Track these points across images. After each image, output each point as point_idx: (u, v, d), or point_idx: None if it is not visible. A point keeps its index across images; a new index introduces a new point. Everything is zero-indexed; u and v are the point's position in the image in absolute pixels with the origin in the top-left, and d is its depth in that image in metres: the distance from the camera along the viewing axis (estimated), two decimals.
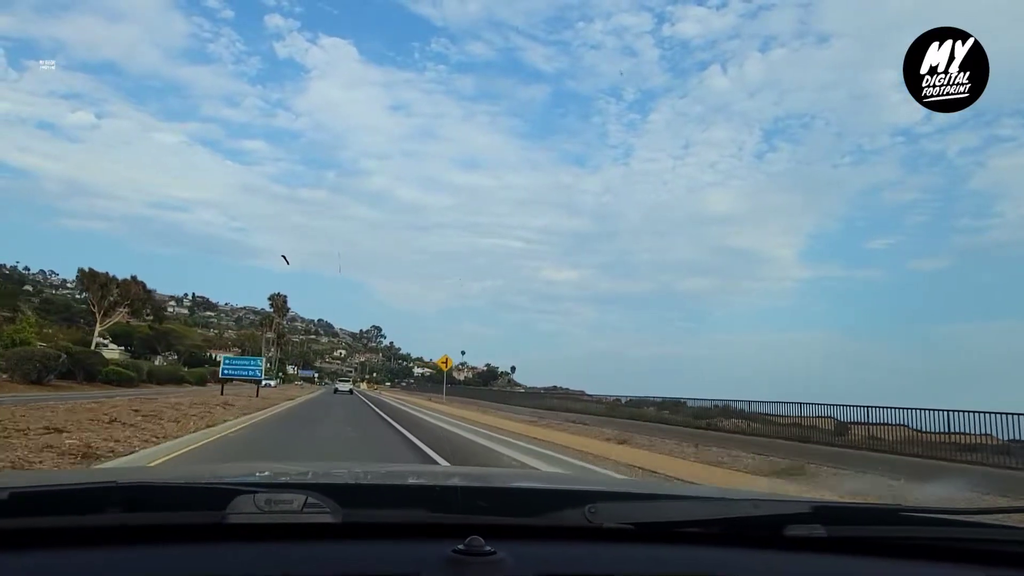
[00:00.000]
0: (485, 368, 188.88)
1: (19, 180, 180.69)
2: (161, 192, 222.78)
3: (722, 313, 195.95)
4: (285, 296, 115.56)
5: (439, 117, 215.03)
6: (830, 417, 19.13)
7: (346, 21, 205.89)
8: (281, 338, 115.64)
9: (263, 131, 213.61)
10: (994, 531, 1.22)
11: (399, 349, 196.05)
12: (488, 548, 1.03)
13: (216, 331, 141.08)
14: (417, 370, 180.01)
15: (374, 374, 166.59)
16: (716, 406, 26.13)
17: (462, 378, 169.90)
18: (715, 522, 1.22)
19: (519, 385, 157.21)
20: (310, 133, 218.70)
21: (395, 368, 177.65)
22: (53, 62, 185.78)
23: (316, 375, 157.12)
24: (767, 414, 21.79)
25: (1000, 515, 1.38)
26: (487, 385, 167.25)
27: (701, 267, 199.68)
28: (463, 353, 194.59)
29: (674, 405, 29.49)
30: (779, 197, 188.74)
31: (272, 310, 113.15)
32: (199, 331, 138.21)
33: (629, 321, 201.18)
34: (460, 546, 1.03)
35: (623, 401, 34.60)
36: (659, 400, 31.48)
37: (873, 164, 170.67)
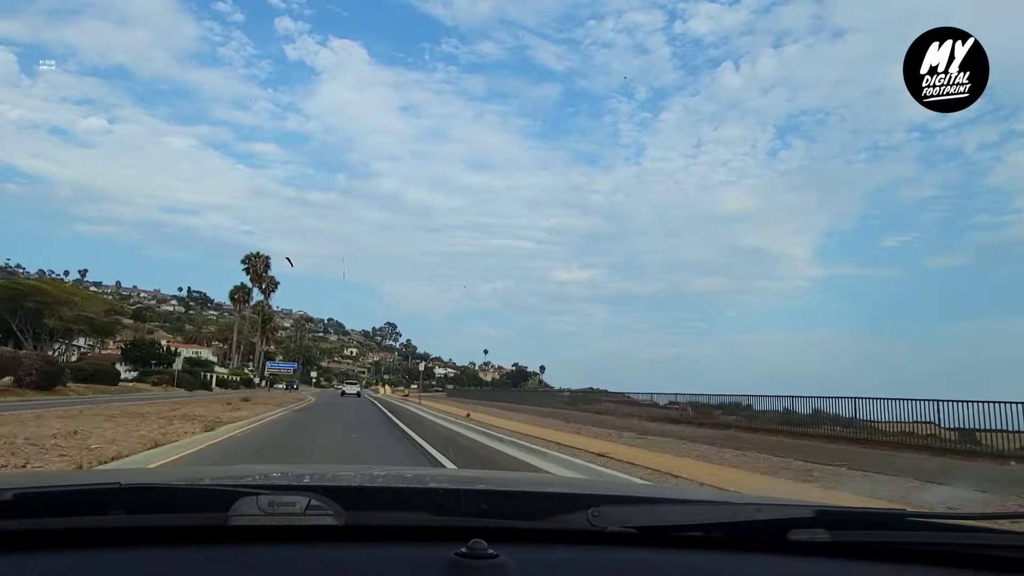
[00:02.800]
0: (514, 368, 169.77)
1: (32, 186, 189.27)
2: (172, 196, 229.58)
3: (735, 313, 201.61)
4: (267, 258, 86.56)
5: (449, 118, 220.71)
6: (929, 422, 16.87)
7: (356, 23, 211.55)
8: (267, 323, 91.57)
9: (273, 134, 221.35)
10: (1001, 536, 1.24)
11: (416, 348, 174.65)
12: (491, 551, 1.03)
13: (193, 325, 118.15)
14: (439, 370, 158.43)
15: (416, 378, 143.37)
16: (787, 408, 22.85)
17: (489, 379, 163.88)
18: (718, 526, 1.25)
19: (548, 386, 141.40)
20: (320, 136, 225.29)
21: (412, 368, 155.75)
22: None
23: (314, 375, 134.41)
24: (866, 420, 19.16)
25: (1008, 520, 1.38)
26: (516, 386, 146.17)
27: (714, 267, 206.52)
28: (486, 352, 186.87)
29: (736, 407, 26.34)
30: (793, 195, 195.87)
31: (249, 277, 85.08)
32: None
33: (641, 321, 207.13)
34: (463, 549, 1.03)
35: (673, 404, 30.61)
36: (716, 402, 27.92)
37: (889, 161, 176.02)
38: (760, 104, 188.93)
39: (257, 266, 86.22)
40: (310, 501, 1.15)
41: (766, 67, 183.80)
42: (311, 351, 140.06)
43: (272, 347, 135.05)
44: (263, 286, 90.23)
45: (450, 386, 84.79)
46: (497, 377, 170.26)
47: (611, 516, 1.20)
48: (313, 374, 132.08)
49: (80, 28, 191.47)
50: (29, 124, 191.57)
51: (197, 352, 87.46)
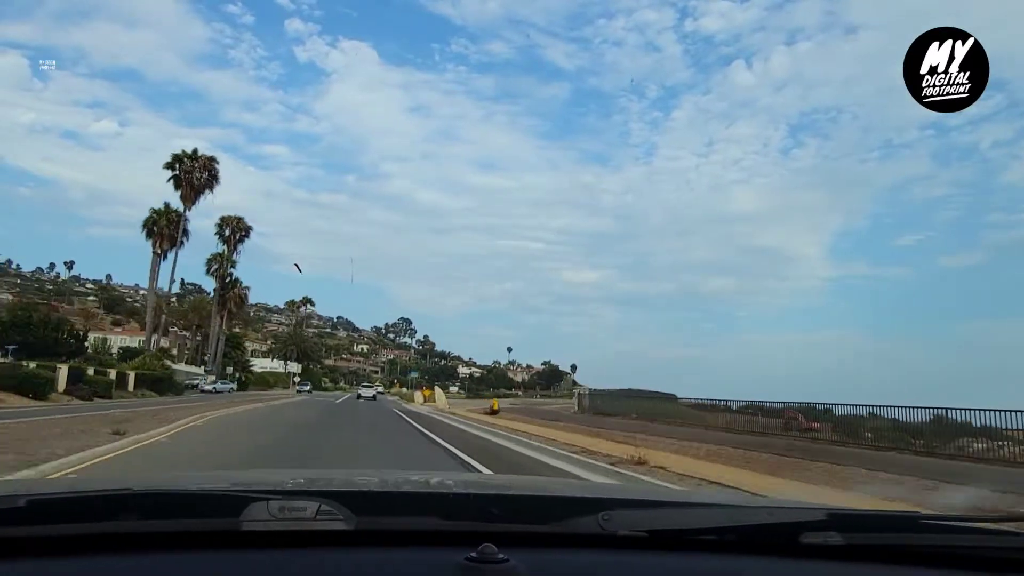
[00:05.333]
0: (544, 367, 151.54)
1: (44, 189, 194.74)
2: None
3: (746, 313, 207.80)
4: (211, 161, 52.06)
5: (458, 118, 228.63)
6: None
7: (366, 23, 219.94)
8: (230, 290, 64.31)
9: (283, 136, 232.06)
10: (1016, 539, 1.28)
11: (435, 345, 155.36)
12: (501, 556, 1.06)
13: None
14: (463, 370, 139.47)
15: (440, 377, 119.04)
16: (871, 415, 21.45)
17: (519, 379, 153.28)
18: (730, 529, 1.29)
19: (581, 386, 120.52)
20: (330, 137, 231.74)
21: (432, 367, 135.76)
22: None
23: (296, 372, 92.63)
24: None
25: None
26: (550, 388, 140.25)
27: (725, 267, 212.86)
28: (509, 350, 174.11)
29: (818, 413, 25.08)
30: (805, 194, 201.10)
31: (180, 194, 50.80)
32: None
33: (652, 322, 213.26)
34: (473, 554, 1.06)
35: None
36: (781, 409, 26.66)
37: (902, 159, 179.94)
38: (772, 102, 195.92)
39: (193, 175, 50.10)
40: (320, 506, 1.18)
41: (778, 65, 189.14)
42: (308, 343, 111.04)
43: (269, 342, 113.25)
44: (229, 234, 61.23)
45: (585, 389, 44.66)
46: (527, 378, 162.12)
47: (622, 520, 1.23)
48: (294, 367, 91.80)
49: (90, 31, 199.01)
50: (41, 128, 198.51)
51: (139, 340, 62.41)
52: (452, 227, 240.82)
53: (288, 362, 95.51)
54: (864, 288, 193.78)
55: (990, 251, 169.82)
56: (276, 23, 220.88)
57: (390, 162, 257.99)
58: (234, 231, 61.45)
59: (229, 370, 65.47)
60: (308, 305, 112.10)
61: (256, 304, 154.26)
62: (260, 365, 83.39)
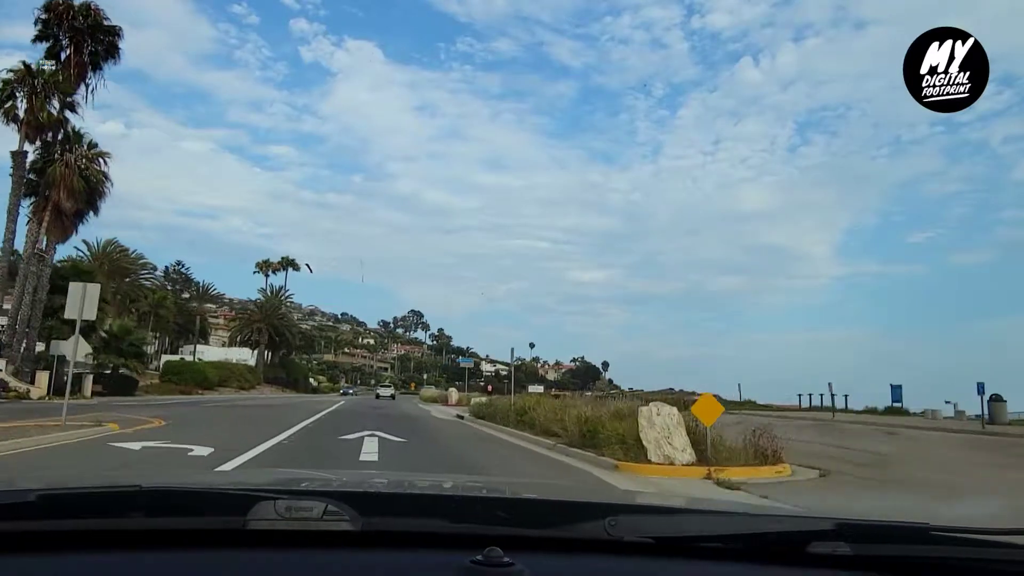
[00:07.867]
0: (577, 364, 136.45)
1: None
2: (190, 200, 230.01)
3: (754, 312, 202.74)
4: None
5: (465, 117, 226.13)
6: None
7: (371, 23, 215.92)
8: (58, 154, 27.90)
9: (289, 136, 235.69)
10: None
11: (451, 339, 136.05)
12: (506, 559, 1.10)
13: None
14: (486, 367, 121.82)
15: (461, 377, 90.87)
16: None
17: (551, 378, 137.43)
18: (737, 537, 1.32)
19: (616, 385, 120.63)
20: (336, 137, 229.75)
21: (450, 364, 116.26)
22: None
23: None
24: None
25: None
26: (585, 387, 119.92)
27: (732, 266, 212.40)
28: (532, 346, 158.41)
29: None
30: (813, 192, 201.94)
31: None
32: None
33: (659, 322, 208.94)
34: (478, 557, 1.10)
35: None
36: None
37: (912, 155, 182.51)
38: (780, 99, 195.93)
39: None
40: (327, 506, 1.22)
41: (786, 61, 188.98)
42: (285, 320, 78.04)
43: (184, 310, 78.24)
44: (69, 44, 29.25)
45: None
46: (558, 376, 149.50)
47: (629, 525, 1.26)
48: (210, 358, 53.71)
49: None
50: None
51: None
52: (459, 227, 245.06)
53: (256, 349, 68.21)
54: (874, 286, 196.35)
55: (1002, 248, 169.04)
56: (281, 23, 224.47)
57: (396, 162, 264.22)
58: (81, 36, 29.50)
59: (67, 350, 20.24)
60: (291, 268, 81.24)
61: (255, 301, 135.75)
62: (214, 354, 62.60)
